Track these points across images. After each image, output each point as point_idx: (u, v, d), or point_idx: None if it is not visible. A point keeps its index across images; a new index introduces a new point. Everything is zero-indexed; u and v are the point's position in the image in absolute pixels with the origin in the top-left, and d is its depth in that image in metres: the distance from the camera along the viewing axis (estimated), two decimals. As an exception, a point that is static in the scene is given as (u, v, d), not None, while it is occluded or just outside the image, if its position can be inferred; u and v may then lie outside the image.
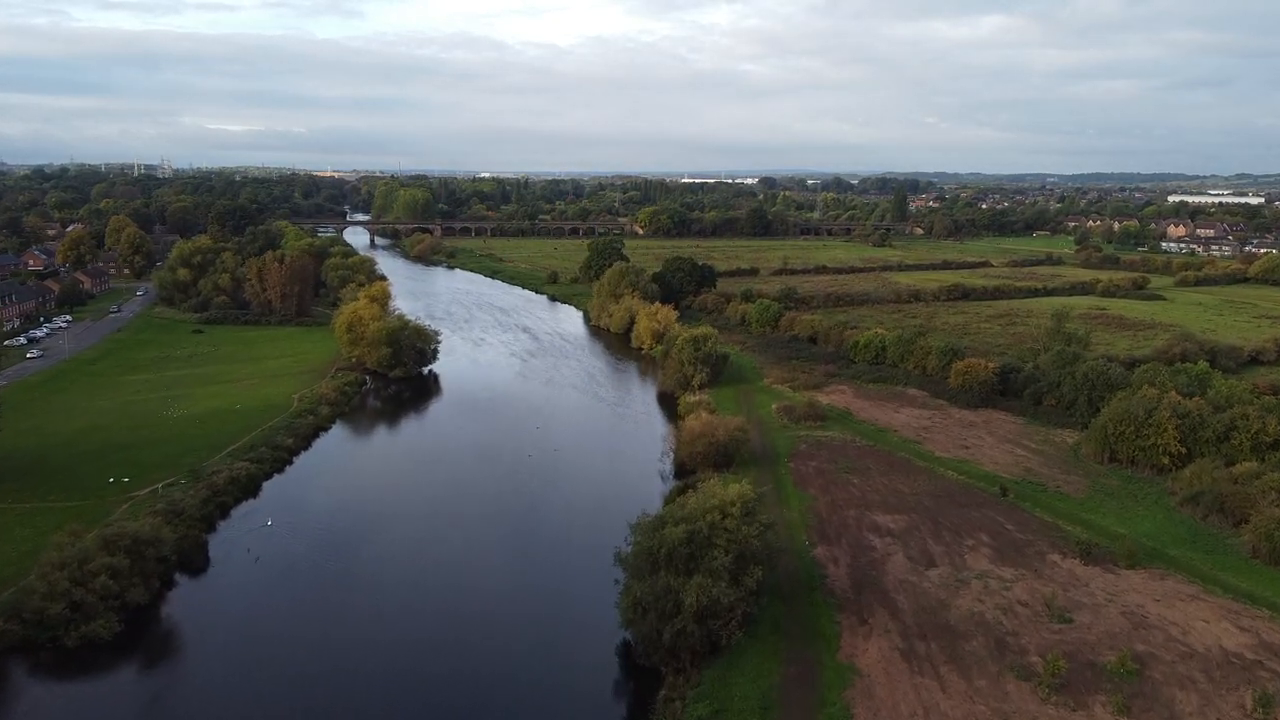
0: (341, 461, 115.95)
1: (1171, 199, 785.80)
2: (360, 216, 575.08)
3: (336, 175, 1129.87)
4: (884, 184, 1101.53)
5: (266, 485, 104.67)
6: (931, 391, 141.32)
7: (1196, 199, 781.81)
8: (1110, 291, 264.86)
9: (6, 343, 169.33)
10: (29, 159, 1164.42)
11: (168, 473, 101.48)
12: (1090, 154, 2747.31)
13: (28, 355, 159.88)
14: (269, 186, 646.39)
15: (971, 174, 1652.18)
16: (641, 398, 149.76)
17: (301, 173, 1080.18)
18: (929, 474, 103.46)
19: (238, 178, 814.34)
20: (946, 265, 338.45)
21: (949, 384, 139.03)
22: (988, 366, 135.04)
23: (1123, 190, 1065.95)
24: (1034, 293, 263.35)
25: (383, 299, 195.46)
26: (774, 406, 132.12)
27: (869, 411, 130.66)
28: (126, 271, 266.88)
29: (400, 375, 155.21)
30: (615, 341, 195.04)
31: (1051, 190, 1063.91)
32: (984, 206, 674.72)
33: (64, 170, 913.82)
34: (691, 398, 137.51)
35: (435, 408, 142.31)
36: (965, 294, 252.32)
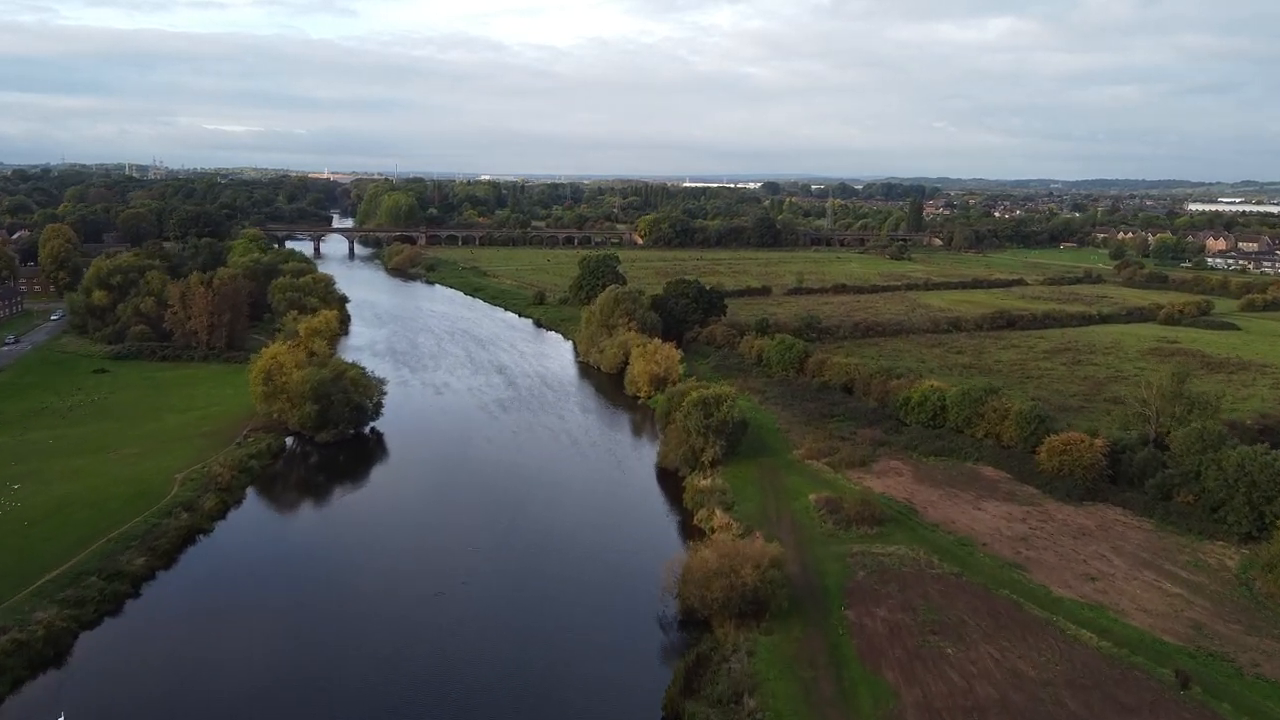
0: (201, 595, 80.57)
1: (1193, 207, 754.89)
2: (348, 222, 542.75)
3: (331, 177, 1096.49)
4: (890, 189, 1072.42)
5: (85, 640, 71.65)
6: (1014, 472, 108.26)
7: (1212, 207, 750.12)
8: (1174, 319, 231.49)
9: None
10: (30, 159, 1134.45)
11: (-70, 630, 68.65)
12: (1093, 160, 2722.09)
13: None
14: (251, 189, 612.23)
15: (975, 180, 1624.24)
16: (636, 473, 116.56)
17: (294, 174, 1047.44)
18: (1055, 635, 70.29)
19: (221, 179, 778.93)
20: (977, 283, 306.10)
21: (1038, 465, 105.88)
22: (1094, 445, 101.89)
23: (1132, 197, 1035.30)
24: (1087, 320, 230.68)
25: (328, 332, 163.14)
26: (812, 498, 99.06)
27: (939, 507, 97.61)
28: (53, 289, 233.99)
29: (329, 439, 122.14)
30: (607, 384, 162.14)
31: (1060, 197, 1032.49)
32: (996, 214, 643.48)
33: (46, 171, 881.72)
34: (701, 481, 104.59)
35: (360, 495, 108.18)
36: (1011, 322, 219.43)
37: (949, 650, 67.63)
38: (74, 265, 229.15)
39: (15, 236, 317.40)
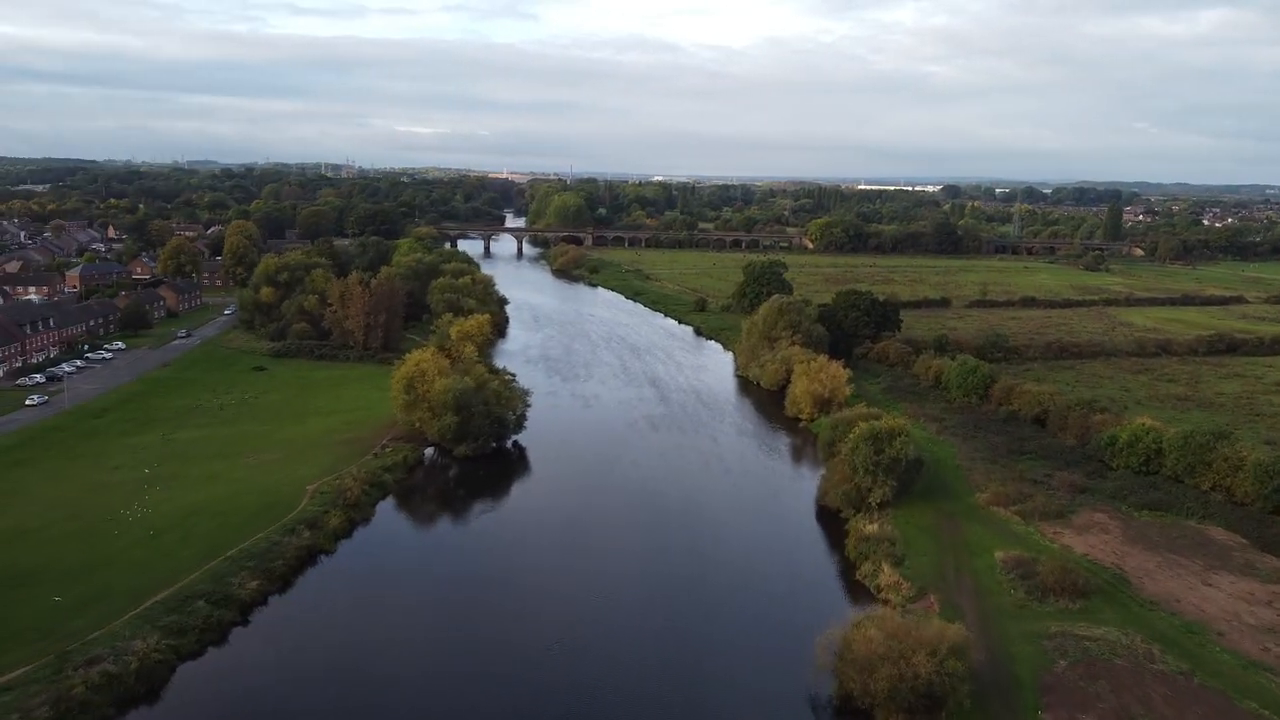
0: (311, 623, 75.19)
1: None
2: (520, 222, 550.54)
3: (510, 177, 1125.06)
4: (1082, 194, 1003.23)
5: (184, 672, 66.52)
6: (1252, 537, 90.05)
7: None
8: None
9: (19, 381, 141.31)
10: (240, 158, 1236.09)
11: (28, 653, 65.03)
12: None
13: (26, 402, 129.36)
14: (430, 189, 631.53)
15: (1178, 184, 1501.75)
16: (793, 510, 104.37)
17: (474, 174, 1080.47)
18: (1328, 777, 54.48)
19: (405, 179, 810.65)
20: (1188, 300, 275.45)
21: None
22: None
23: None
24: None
25: (479, 336, 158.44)
26: (998, 556, 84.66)
27: (1157, 578, 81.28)
28: (232, 284, 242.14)
29: (468, 452, 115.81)
30: (767, 402, 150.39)
31: (1279, 204, 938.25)
32: (1204, 222, 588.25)
33: (250, 169, 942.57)
34: (867, 527, 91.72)
35: (492, 519, 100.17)
36: (1231, 346, 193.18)
37: (1183, 786, 53.09)
38: (251, 261, 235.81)
39: (210, 231, 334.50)
